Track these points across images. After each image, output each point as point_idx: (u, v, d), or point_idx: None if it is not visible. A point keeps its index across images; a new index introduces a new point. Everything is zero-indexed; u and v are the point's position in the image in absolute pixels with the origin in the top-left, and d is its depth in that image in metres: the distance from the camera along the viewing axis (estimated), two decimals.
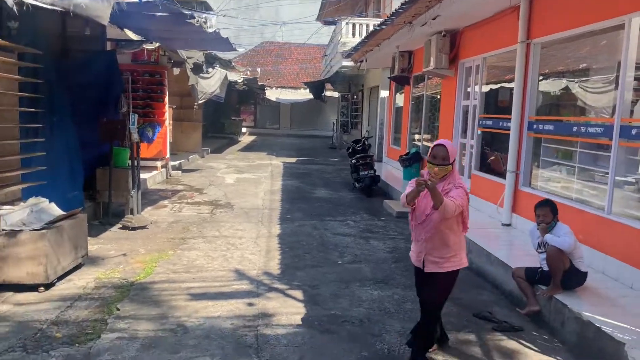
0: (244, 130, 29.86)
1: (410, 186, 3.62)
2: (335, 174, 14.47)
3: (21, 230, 4.75)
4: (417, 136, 12.75)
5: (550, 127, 6.54)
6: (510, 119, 7.19)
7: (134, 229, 7.19)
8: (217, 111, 24.92)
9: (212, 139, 22.67)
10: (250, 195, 10.53)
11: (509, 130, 7.20)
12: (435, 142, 3.67)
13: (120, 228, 7.26)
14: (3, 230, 4.71)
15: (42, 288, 4.78)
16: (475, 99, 8.90)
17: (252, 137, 28.95)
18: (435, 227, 3.60)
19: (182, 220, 8.05)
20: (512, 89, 7.30)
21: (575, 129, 6.00)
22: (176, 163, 13.49)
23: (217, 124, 25.98)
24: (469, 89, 9.33)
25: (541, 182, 6.85)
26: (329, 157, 19.48)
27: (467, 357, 3.82)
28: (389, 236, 7.48)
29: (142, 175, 9.18)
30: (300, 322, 4.34)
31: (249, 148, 22.39)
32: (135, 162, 7.72)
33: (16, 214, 4.96)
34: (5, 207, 4.97)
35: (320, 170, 15.37)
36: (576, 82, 6.38)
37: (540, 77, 6.95)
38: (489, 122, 8.37)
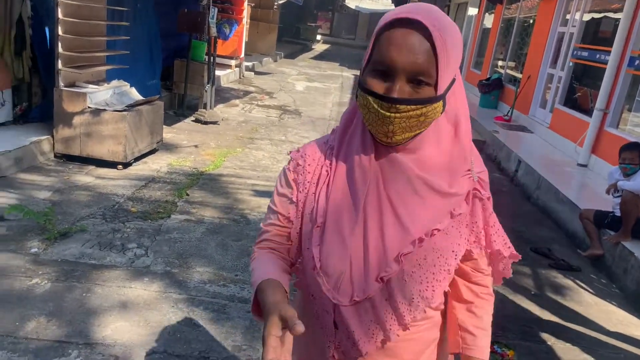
0: (318, 37, 29.19)
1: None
2: None
3: (105, 110, 5.03)
4: (500, 62, 11.99)
5: None
6: (609, 51, 6.56)
7: (206, 123, 7.44)
8: (293, 15, 24.34)
9: (285, 43, 22.38)
10: (318, 104, 10.50)
11: (606, 64, 6.59)
12: (394, 14, 0.99)
13: (193, 120, 7.52)
14: (88, 107, 5.00)
15: (120, 166, 5.13)
16: (574, 27, 8.13)
17: (325, 46, 28.31)
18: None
19: (251, 120, 8.22)
20: (618, 19, 6.58)
21: None
22: (250, 64, 13.54)
23: (292, 28, 25.48)
24: (568, 15, 8.51)
25: (631, 125, 6.34)
26: None
27: (518, 287, 3.82)
28: None
29: (217, 72, 9.31)
30: None
31: (321, 57, 21.98)
32: (212, 57, 7.80)
33: (100, 94, 5.23)
34: (91, 86, 5.23)
35: None
36: None
37: None
38: (584, 53, 7.69)
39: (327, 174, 1.13)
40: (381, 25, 1.01)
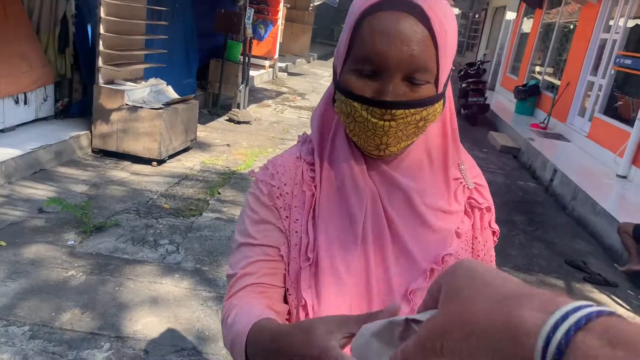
0: None
1: None
2: None
3: (141, 107, 5.14)
4: (538, 68, 11.73)
5: None
6: None
7: (238, 122, 7.52)
8: (328, 16, 24.37)
9: (319, 44, 22.42)
10: None
11: None
12: None
13: (226, 120, 7.61)
14: (126, 104, 5.12)
15: (155, 163, 5.23)
16: (617, 33, 7.88)
17: None
18: None
19: (283, 121, 8.26)
20: None
21: None
22: (283, 65, 13.61)
23: (326, 29, 25.51)
24: (611, 21, 8.26)
25: None
26: None
27: None
28: (488, 169, 7.19)
29: (251, 73, 9.40)
30: None
31: None
32: (247, 57, 7.88)
33: (138, 92, 5.34)
34: (129, 83, 5.35)
35: None
36: None
37: None
38: (628, 61, 7.44)
39: (313, 196, 0.88)
40: (362, 9, 0.76)
